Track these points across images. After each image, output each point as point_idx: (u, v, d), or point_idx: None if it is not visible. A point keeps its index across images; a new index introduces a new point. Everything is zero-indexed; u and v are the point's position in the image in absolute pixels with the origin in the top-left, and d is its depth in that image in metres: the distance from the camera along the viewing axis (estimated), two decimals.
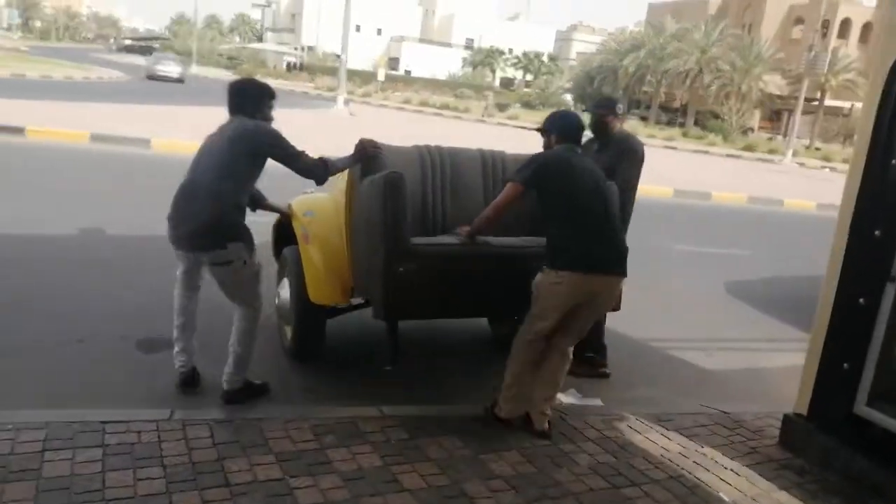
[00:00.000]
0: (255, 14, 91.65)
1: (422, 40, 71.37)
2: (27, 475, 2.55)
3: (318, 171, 3.37)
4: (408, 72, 62.09)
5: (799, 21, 49.47)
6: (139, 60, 55.59)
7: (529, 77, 63.02)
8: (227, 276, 3.28)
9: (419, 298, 3.41)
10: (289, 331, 4.03)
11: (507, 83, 64.94)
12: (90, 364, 3.79)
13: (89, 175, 9.18)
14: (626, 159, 4.05)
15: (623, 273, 3.24)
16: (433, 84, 51.20)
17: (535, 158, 3.35)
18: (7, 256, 5.37)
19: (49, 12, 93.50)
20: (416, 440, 3.14)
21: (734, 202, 14.41)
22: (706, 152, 28.66)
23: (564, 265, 3.09)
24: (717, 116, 39.08)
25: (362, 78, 47.10)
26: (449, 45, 69.99)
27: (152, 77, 32.52)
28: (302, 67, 57.97)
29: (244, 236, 3.26)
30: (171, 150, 11.47)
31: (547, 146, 3.46)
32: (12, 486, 2.48)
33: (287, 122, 14.63)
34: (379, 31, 69.01)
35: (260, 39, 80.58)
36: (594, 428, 3.52)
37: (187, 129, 13.63)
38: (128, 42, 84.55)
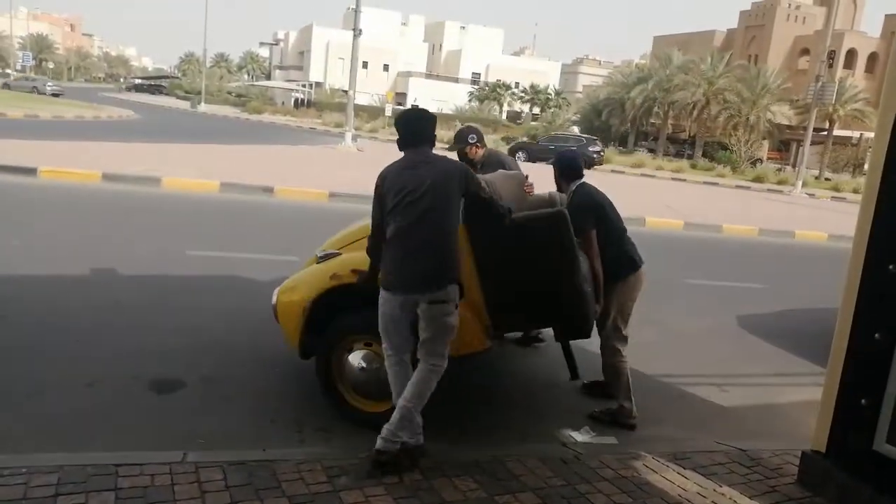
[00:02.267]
0: (264, 52, 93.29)
1: (428, 75, 72.28)
2: None
3: (504, 210, 3.46)
4: (415, 106, 62.77)
5: (804, 52, 49.93)
6: (150, 99, 56.62)
7: (536, 110, 63.58)
8: (438, 314, 3.15)
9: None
10: (356, 401, 3.80)
11: (514, 116, 65.49)
12: (102, 405, 3.78)
13: (101, 214, 9.27)
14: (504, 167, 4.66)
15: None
16: (441, 118, 51.55)
17: (584, 204, 4.04)
18: (19, 296, 5.40)
19: (61, 53, 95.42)
20: (430, 481, 3.11)
21: (745, 234, 14.38)
22: (715, 184, 28.70)
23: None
24: (725, 147, 39.21)
25: (370, 113, 47.63)
26: (456, 79, 70.84)
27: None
28: (309, 104, 58.71)
29: (458, 280, 3.26)
30: (181, 187, 11.61)
31: (556, 180, 4.29)
32: None
33: (296, 158, 14.90)
34: (385, 67, 69.96)
35: (268, 77, 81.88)
36: (609, 467, 3.48)
37: (194, 167, 13.84)
38: (137, 81, 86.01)
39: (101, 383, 4.02)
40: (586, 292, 3.69)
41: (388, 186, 3.18)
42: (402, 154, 3.31)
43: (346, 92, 30.32)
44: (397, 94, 62.61)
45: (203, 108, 47.88)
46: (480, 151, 4.71)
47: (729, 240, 13.58)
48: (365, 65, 61.03)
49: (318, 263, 4.06)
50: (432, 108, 46.24)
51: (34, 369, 4.10)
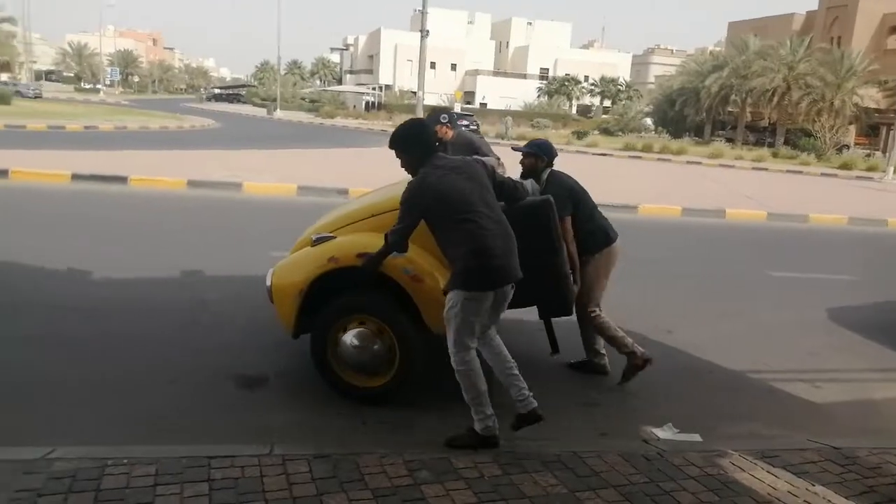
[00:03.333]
0: (335, 57, 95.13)
1: (496, 73, 72.06)
2: None
3: (523, 194, 3.80)
4: (483, 104, 62.73)
5: (893, 31, 47.05)
6: (228, 108, 58.76)
7: (607, 103, 62.45)
8: (511, 293, 3.45)
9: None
10: (350, 377, 3.97)
11: (585, 110, 64.56)
12: (192, 400, 3.96)
13: (188, 219, 9.68)
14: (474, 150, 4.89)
15: None
16: (509, 115, 51.49)
17: (562, 191, 4.27)
18: (110, 297, 5.72)
19: (145, 67, 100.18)
20: (510, 476, 3.11)
21: (834, 224, 13.71)
22: (799, 172, 27.44)
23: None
24: (808, 134, 37.44)
25: None
26: (524, 76, 70.36)
27: None
28: (380, 106, 59.55)
29: None
30: (261, 192, 12.00)
31: (533, 167, 4.40)
32: None
33: (369, 160, 15.09)
34: (453, 67, 70.16)
35: (339, 81, 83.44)
36: (695, 465, 3.39)
37: (273, 172, 14.27)
38: (216, 91, 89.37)
39: (185, 378, 4.20)
40: (567, 273, 4.03)
41: (440, 196, 3.26)
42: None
43: (414, 93, 30.59)
44: (465, 92, 62.72)
45: (279, 114, 49.30)
46: (451, 133, 5.00)
47: (816, 230, 12.98)
48: (433, 65, 61.41)
49: (312, 246, 4.11)
50: (500, 106, 45.72)
51: (128, 366, 4.33)
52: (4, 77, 65.31)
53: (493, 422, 3.39)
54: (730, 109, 46.33)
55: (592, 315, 4.48)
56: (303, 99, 67.29)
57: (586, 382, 4.65)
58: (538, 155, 4.38)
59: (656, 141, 36.21)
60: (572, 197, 4.33)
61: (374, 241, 3.67)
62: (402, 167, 3.51)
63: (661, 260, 9.07)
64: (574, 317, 4.50)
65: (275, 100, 53.96)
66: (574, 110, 63.50)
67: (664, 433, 3.82)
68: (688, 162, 28.73)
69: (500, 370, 3.49)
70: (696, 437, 3.82)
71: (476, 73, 69.42)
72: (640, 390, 4.52)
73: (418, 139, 3.41)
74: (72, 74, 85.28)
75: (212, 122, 34.90)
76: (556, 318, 4.36)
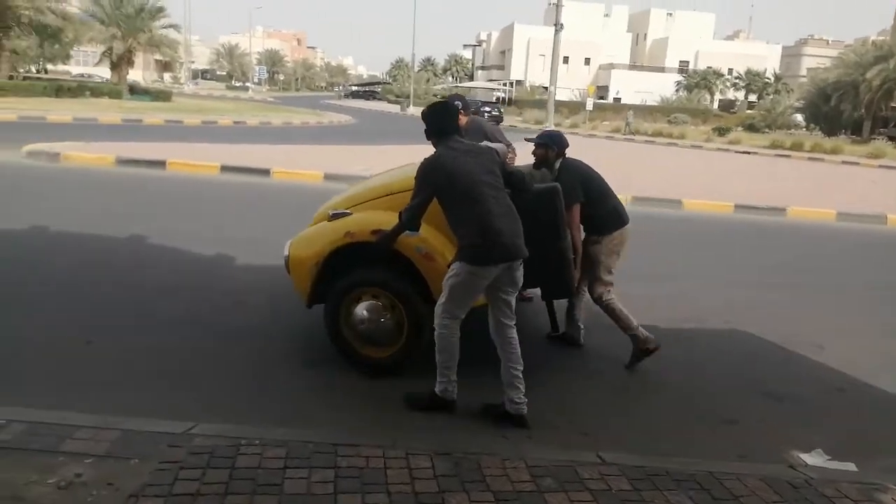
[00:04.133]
0: (467, 54, 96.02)
1: (632, 66, 69.83)
2: (271, 490, 2.76)
3: (529, 186, 3.92)
4: (617, 99, 61.03)
5: None
6: (364, 104, 60.82)
7: (753, 98, 58.79)
8: (521, 275, 3.60)
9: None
10: (361, 347, 4.17)
11: (727, 105, 61.16)
12: (317, 387, 4.07)
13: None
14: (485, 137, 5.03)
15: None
16: (645, 110, 49.75)
17: (573, 179, 4.44)
18: (256, 285, 6.02)
19: (290, 66, 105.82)
20: (640, 492, 2.94)
21: None
22: None
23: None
24: None
25: (569, 108, 47.11)
26: (661, 69, 67.72)
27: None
28: (510, 102, 59.42)
29: None
30: None
31: (545, 158, 4.56)
32: (260, 498, 2.70)
33: None
34: (587, 61, 68.75)
35: (471, 78, 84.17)
36: (848, 497, 3.05)
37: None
38: (354, 88, 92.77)
39: (320, 364, 4.31)
40: (569, 257, 4.17)
41: (451, 175, 3.46)
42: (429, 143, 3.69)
43: (546, 88, 30.23)
44: (599, 87, 61.23)
45: (412, 110, 50.38)
46: (464, 119, 5.03)
47: None
48: (566, 60, 60.42)
49: (329, 221, 4.28)
50: (635, 100, 44.55)
51: (262, 350, 4.53)
52: (167, 76, 71.34)
53: (453, 388, 3.68)
54: (894, 105, 42.11)
55: (606, 301, 4.61)
56: (434, 95, 68.34)
57: (723, 398, 4.34)
58: (549, 145, 4.57)
59: (807, 139, 33.58)
60: (583, 185, 4.49)
61: (388, 219, 3.85)
62: (427, 138, 3.73)
63: (813, 269, 8.38)
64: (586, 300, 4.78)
65: (408, 96, 55.22)
66: (716, 105, 60.29)
67: (813, 459, 3.49)
68: (843, 162, 26.40)
69: (506, 367, 3.63)
70: (851, 467, 3.45)
71: (611, 66, 67.63)
72: (784, 410, 4.17)
73: (438, 118, 3.64)
74: (224, 73, 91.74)
75: (348, 119, 36.26)
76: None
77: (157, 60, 63.01)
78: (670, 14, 74.22)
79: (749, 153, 27.75)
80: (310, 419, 3.62)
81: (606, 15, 74.48)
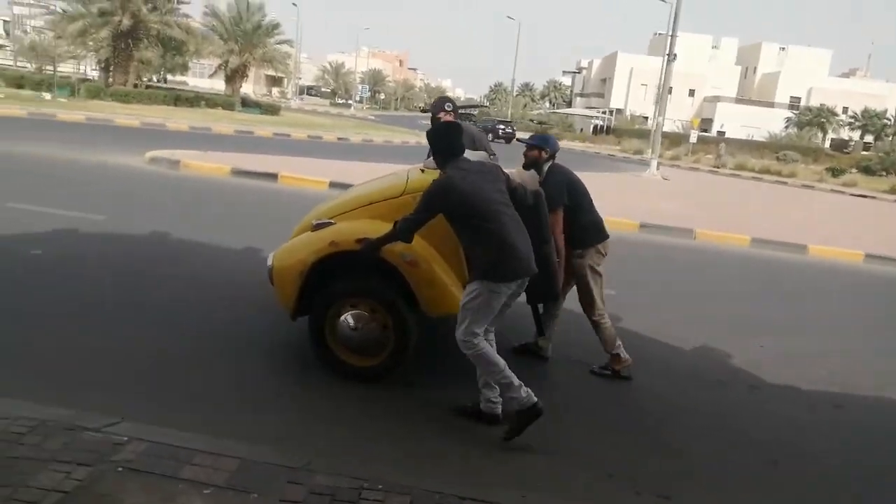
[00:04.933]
0: (566, 80, 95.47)
1: (738, 100, 67.33)
2: None
3: (530, 198, 4.08)
4: (721, 132, 58.94)
5: None
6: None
7: (869, 139, 55.44)
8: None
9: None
10: (348, 357, 4.18)
11: (841, 145, 57.94)
12: (451, 432, 3.84)
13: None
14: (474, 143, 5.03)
15: None
16: (752, 146, 47.71)
17: (559, 183, 4.55)
18: None
19: (391, 85, 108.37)
20: None
21: None
22: None
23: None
24: None
25: (670, 139, 45.76)
26: (770, 104, 64.96)
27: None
28: (608, 130, 58.47)
29: None
30: None
31: (536, 159, 4.61)
32: None
33: (601, 185, 14.36)
34: (691, 92, 66.87)
35: (569, 104, 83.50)
36: None
37: None
38: None
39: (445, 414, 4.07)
40: (553, 261, 4.18)
41: (463, 197, 3.48)
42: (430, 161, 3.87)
43: (646, 118, 29.44)
44: (703, 119, 59.35)
45: None
46: (450, 119, 5.09)
47: None
48: (669, 90, 58.98)
49: (312, 231, 4.27)
50: (741, 135, 43.08)
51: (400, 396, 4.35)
52: (275, 90, 74.44)
53: (526, 392, 3.57)
54: None
55: (601, 322, 4.76)
56: (531, 120, 68.23)
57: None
58: (541, 147, 4.62)
59: None
60: (569, 189, 4.58)
61: (372, 228, 3.95)
62: (433, 158, 3.81)
63: None
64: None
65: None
66: (827, 144, 57.23)
67: None
68: None
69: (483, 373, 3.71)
70: None
71: (716, 99, 65.51)
72: None
73: (445, 139, 3.67)
74: (328, 90, 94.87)
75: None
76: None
77: (267, 75, 65.96)
78: (783, 48, 71.29)
79: (866, 197, 25.97)
80: (435, 464, 3.38)
81: (714, 47, 72.32)
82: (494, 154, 5.12)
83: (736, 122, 61.61)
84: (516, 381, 3.56)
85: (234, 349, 4.59)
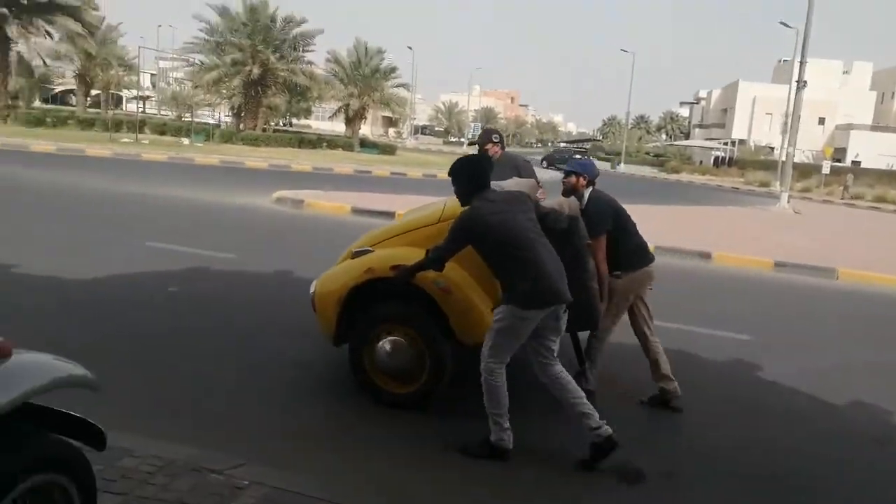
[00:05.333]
0: (683, 112, 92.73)
1: (874, 127, 62.54)
2: None
3: (563, 223, 4.10)
4: (856, 162, 54.88)
5: None
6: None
7: None
8: (564, 323, 3.67)
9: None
10: (385, 384, 4.19)
11: None
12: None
13: None
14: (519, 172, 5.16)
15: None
16: (889, 176, 44.00)
17: (601, 209, 4.50)
18: None
19: (503, 122, 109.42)
20: None
21: None
22: None
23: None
24: None
25: (799, 171, 42.96)
26: None
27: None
28: (730, 162, 55.91)
29: None
30: None
31: (574, 185, 4.54)
32: None
33: (727, 220, 13.71)
34: (821, 121, 62.84)
35: (687, 136, 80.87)
36: None
37: None
38: (562, 145, 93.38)
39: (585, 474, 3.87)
40: (592, 288, 4.12)
41: (491, 228, 3.49)
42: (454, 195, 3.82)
43: (772, 148, 27.81)
44: (836, 149, 55.56)
45: (622, 168, 49.38)
46: (500, 152, 5.34)
47: None
48: (798, 118, 55.75)
49: (352, 259, 4.37)
50: (880, 164, 40.04)
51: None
52: (391, 131, 76.99)
53: (508, 436, 3.59)
54: None
55: (601, 335, 4.60)
56: (647, 153, 66.58)
57: None
58: (580, 174, 4.56)
59: None
60: (613, 215, 4.53)
61: (408, 255, 3.97)
62: (455, 194, 3.81)
63: None
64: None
65: (619, 154, 54.18)
66: None
67: None
68: None
69: (567, 402, 3.64)
70: None
71: (849, 127, 61.15)
72: None
73: (471, 174, 3.69)
74: (441, 129, 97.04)
75: (558, 175, 36.16)
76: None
77: (384, 116, 68.33)
78: None
79: None
80: None
81: (846, 72, 67.86)
82: (539, 182, 5.01)
83: (872, 150, 57.15)
84: (506, 424, 3.60)
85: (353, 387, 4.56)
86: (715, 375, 5.64)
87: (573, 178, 4.57)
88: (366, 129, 57.30)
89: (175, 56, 40.74)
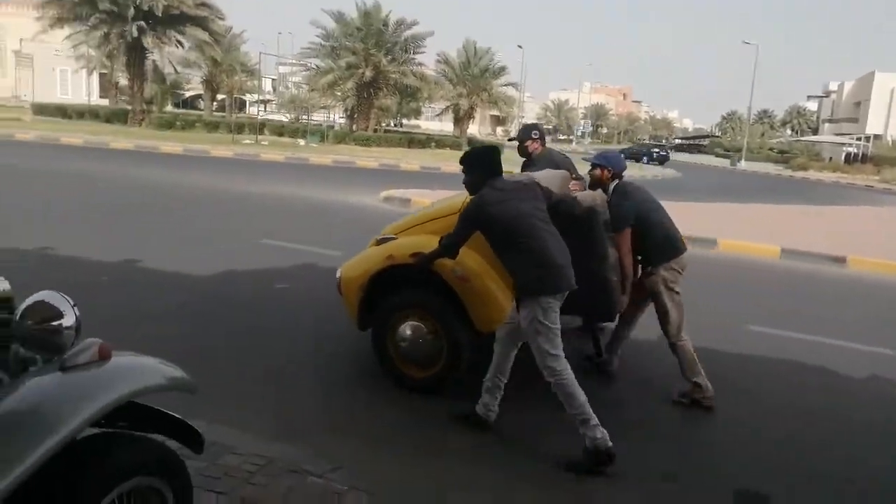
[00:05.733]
0: (811, 105, 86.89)
1: None
2: None
3: (573, 209, 4.10)
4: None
5: None
6: (689, 158, 58.39)
7: None
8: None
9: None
10: (406, 368, 4.31)
11: None
12: None
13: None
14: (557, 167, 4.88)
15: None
16: None
17: (625, 202, 4.40)
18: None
19: (614, 119, 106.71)
20: None
21: None
22: None
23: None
24: None
25: None
26: None
27: None
28: (864, 159, 51.72)
29: None
30: (739, 250, 10.96)
31: (599, 178, 4.55)
32: None
33: (864, 221, 12.51)
34: None
35: (815, 131, 75.69)
36: None
37: (745, 229, 12.96)
38: (677, 141, 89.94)
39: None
40: (611, 280, 4.11)
41: (497, 216, 3.54)
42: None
43: None
44: None
45: (743, 165, 46.86)
46: (540, 148, 5.28)
47: None
48: None
49: (376, 246, 4.53)
50: None
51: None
52: (499, 129, 76.83)
53: (602, 433, 3.42)
54: None
55: (679, 343, 4.46)
56: (770, 150, 62.80)
57: None
58: (604, 167, 4.54)
59: None
60: (637, 208, 4.43)
61: (429, 243, 4.00)
62: (463, 183, 3.83)
63: None
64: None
65: (739, 150, 51.45)
66: None
67: None
68: None
69: (493, 372, 3.77)
70: None
71: None
72: None
73: (482, 164, 3.73)
74: (550, 127, 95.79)
75: (672, 172, 34.84)
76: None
77: (492, 116, 68.29)
78: None
79: None
80: None
81: None
82: (579, 177, 5.06)
83: None
84: (594, 420, 3.45)
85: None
86: (847, 393, 5.12)
87: (598, 171, 4.59)
88: (473, 129, 57.49)
89: (294, 61, 42.41)
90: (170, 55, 34.65)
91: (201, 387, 2.28)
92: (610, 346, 4.91)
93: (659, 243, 4.48)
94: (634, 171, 31.63)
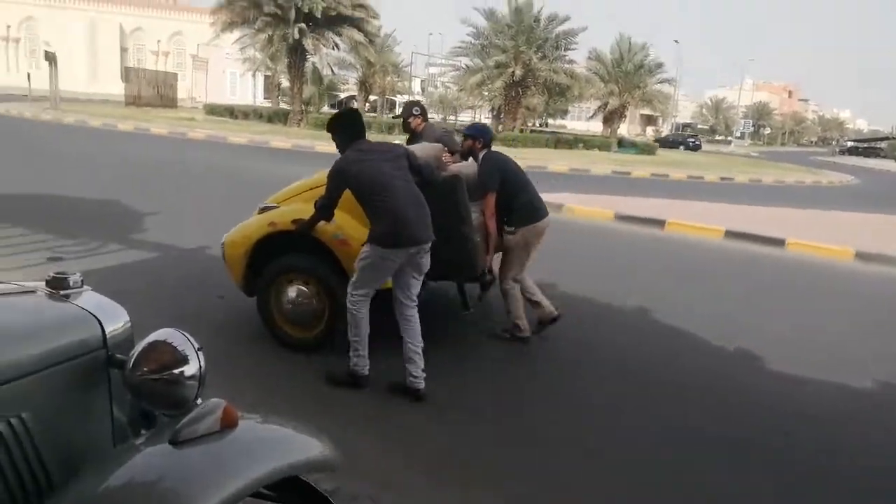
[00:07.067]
0: None
1: None
2: None
3: (434, 176, 4.32)
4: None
5: None
6: (865, 162, 52.86)
7: None
8: (427, 260, 3.98)
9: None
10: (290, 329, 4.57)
11: None
12: None
13: (850, 299, 7.97)
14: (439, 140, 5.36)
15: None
16: None
17: (491, 169, 4.96)
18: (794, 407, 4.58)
19: (778, 119, 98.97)
20: None
21: None
22: None
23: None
24: None
25: None
26: None
27: None
28: None
29: None
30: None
31: (471, 147, 5.15)
32: None
33: None
34: None
35: None
36: None
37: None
38: (850, 144, 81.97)
39: None
40: (472, 240, 4.45)
41: (359, 174, 3.83)
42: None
43: None
44: None
45: None
46: (422, 124, 5.71)
47: None
48: None
49: (259, 214, 4.69)
50: None
51: None
52: (649, 129, 73.60)
53: (364, 363, 4.01)
54: None
55: (507, 288, 5.05)
56: None
57: None
58: (475, 137, 5.13)
59: None
60: (502, 174, 4.97)
61: (308, 209, 4.19)
62: (336, 146, 4.06)
63: None
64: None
65: None
66: None
67: None
68: None
69: (408, 345, 3.98)
70: None
71: None
72: None
73: (344, 128, 4.04)
74: (706, 127, 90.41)
75: (850, 178, 31.42)
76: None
77: (642, 115, 65.53)
78: None
79: None
80: None
81: None
82: (449, 149, 5.21)
83: None
84: (364, 352, 3.98)
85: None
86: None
87: (469, 142, 5.12)
88: (623, 129, 55.39)
89: (444, 61, 42.74)
90: (327, 56, 35.96)
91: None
92: (534, 304, 5.24)
93: (521, 206, 5.02)
94: (808, 177, 28.73)
